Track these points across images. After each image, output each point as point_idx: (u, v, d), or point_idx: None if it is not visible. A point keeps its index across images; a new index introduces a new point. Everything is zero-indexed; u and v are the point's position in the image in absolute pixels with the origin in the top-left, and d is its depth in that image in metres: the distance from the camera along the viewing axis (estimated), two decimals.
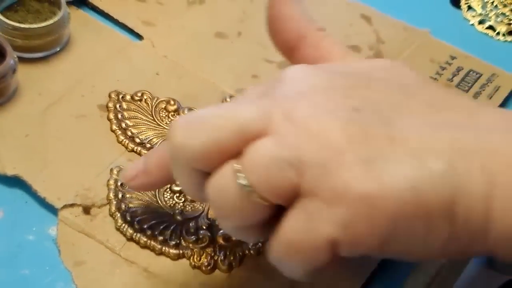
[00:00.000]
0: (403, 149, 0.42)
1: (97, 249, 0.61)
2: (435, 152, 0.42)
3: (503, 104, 0.78)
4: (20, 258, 0.61)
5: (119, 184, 0.65)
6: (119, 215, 0.63)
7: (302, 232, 0.43)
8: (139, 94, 0.73)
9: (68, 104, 0.72)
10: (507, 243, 0.42)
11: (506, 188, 0.41)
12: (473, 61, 0.81)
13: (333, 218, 0.42)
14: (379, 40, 0.83)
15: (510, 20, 0.88)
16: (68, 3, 0.78)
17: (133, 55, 0.78)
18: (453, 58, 0.81)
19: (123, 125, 0.71)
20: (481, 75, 0.80)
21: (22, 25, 0.73)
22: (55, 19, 0.74)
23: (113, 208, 0.64)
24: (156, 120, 0.72)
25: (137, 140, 0.70)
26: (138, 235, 0.62)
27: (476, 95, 0.78)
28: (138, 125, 0.71)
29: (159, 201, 0.65)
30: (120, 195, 0.65)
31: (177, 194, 0.66)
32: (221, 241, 0.63)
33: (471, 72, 0.80)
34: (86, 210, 0.64)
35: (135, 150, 0.69)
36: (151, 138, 0.70)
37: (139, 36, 0.81)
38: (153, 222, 0.63)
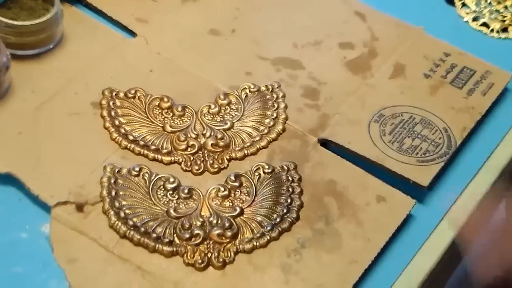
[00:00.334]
0: None
1: (90, 246, 0.61)
2: None
3: (497, 101, 0.78)
4: (13, 256, 0.61)
5: (112, 181, 0.65)
6: (112, 212, 0.63)
7: None
8: (133, 91, 0.73)
9: (62, 102, 0.72)
10: None
11: None
12: (467, 58, 0.81)
13: None
14: (373, 37, 0.83)
15: (504, 17, 0.88)
16: (62, 0, 0.78)
17: (126, 52, 0.78)
18: (447, 55, 0.81)
19: (117, 122, 0.71)
20: (475, 72, 0.80)
21: (15, 22, 0.72)
22: (49, 16, 0.74)
23: (107, 206, 0.64)
24: (150, 117, 0.72)
25: (131, 138, 0.69)
26: (132, 232, 0.62)
27: (470, 92, 0.78)
28: (131, 123, 0.71)
29: (153, 199, 0.65)
30: (113, 193, 0.64)
31: (171, 192, 0.65)
32: (214, 238, 0.63)
33: (465, 69, 0.80)
34: (79, 207, 0.64)
35: (128, 147, 0.69)
36: (144, 135, 0.70)
37: (132, 33, 0.80)
38: (147, 219, 0.63)
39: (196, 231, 0.63)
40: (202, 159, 0.69)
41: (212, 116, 0.72)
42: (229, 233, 0.63)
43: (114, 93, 0.73)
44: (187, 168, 0.68)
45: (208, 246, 0.62)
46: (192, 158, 0.69)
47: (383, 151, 0.71)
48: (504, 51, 0.85)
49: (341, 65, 0.80)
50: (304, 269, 0.62)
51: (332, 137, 0.72)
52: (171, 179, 0.66)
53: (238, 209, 0.65)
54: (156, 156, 0.68)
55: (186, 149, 0.69)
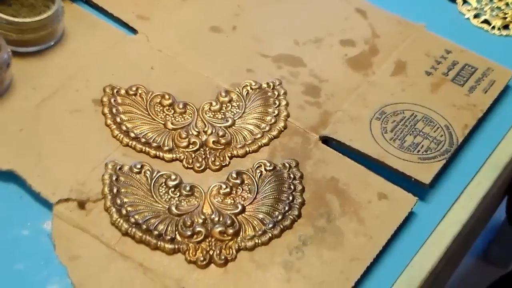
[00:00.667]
0: None
1: (92, 244, 0.61)
2: None
3: (498, 98, 0.78)
4: (14, 253, 0.61)
5: (114, 178, 0.65)
6: (114, 209, 0.63)
7: None
8: (134, 89, 0.73)
9: (63, 99, 0.72)
10: None
11: None
12: (469, 55, 0.81)
13: None
14: (374, 34, 0.83)
15: (505, 14, 0.88)
16: None
17: (127, 50, 0.78)
18: (448, 52, 0.81)
19: (118, 119, 0.70)
20: (477, 69, 0.80)
21: (16, 19, 0.72)
22: (49, 13, 0.73)
23: (108, 203, 0.64)
24: (151, 114, 0.72)
25: (132, 135, 0.69)
26: (133, 229, 0.62)
27: (472, 89, 0.78)
28: (132, 120, 0.71)
29: (154, 196, 0.65)
30: (115, 190, 0.64)
31: (172, 189, 0.65)
32: (216, 236, 0.63)
33: (466, 66, 0.80)
34: (81, 204, 0.63)
35: (129, 144, 0.69)
36: (146, 132, 0.70)
37: (133, 30, 0.80)
38: (148, 217, 0.63)
39: (198, 229, 0.63)
40: (203, 156, 0.69)
41: (213, 114, 0.72)
42: (231, 231, 0.63)
43: (115, 90, 0.73)
44: (188, 166, 0.68)
45: (210, 243, 0.62)
46: (193, 155, 0.69)
47: (385, 149, 0.71)
48: (506, 48, 0.85)
49: (342, 62, 0.80)
50: (305, 266, 0.62)
51: (333, 134, 0.71)
52: (173, 177, 0.66)
53: (240, 207, 0.65)
54: (158, 153, 0.68)
55: (187, 147, 0.69)
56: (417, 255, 0.65)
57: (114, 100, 0.72)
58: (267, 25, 0.83)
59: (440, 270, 0.67)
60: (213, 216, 0.64)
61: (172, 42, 0.79)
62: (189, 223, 0.63)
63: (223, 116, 0.72)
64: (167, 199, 0.65)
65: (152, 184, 0.65)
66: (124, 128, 0.70)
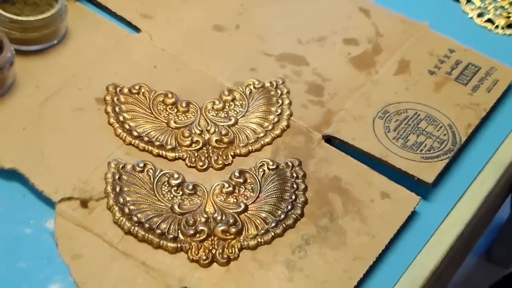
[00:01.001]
0: None
1: (94, 242, 0.61)
2: None
3: (502, 97, 0.78)
4: (17, 252, 0.61)
5: (116, 177, 0.65)
6: (116, 208, 0.63)
7: None
8: (137, 87, 0.73)
9: (66, 97, 0.72)
10: None
11: None
12: (472, 54, 0.81)
13: None
14: (378, 33, 0.83)
15: (509, 13, 0.88)
16: None
17: (130, 48, 0.78)
18: (452, 51, 0.81)
19: (121, 118, 0.70)
20: (480, 68, 0.79)
21: (20, 18, 0.72)
22: (53, 11, 0.73)
23: (111, 202, 0.64)
24: (154, 113, 0.72)
25: (135, 133, 0.69)
26: (136, 228, 0.62)
27: (475, 89, 0.77)
28: (135, 118, 0.71)
29: (157, 195, 0.65)
30: (117, 189, 0.64)
31: (175, 188, 0.65)
32: (219, 235, 0.63)
33: (469, 65, 0.80)
34: (84, 203, 0.64)
35: (132, 143, 0.69)
36: (149, 131, 0.70)
37: (137, 29, 0.80)
38: (151, 215, 0.63)
39: (201, 227, 0.63)
40: (206, 155, 0.69)
41: (216, 112, 0.72)
42: (233, 230, 0.63)
43: (118, 89, 0.73)
44: (191, 164, 0.68)
45: (213, 242, 0.62)
46: (196, 154, 0.69)
47: (388, 148, 0.70)
48: (509, 48, 0.85)
49: (345, 61, 0.80)
50: (308, 265, 0.62)
51: (336, 133, 0.71)
52: (176, 175, 0.66)
53: (243, 206, 0.65)
54: (161, 152, 0.68)
55: (190, 145, 0.69)
56: (420, 255, 0.65)
57: (117, 99, 0.72)
58: (270, 24, 0.83)
59: (443, 270, 0.67)
60: (215, 215, 0.64)
61: (175, 41, 0.79)
62: (191, 222, 0.63)
63: (226, 115, 0.72)
64: (170, 198, 0.65)
65: (155, 182, 0.65)
66: (127, 126, 0.70)
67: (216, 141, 0.70)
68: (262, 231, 0.63)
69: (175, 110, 0.72)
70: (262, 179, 0.67)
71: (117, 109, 0.71)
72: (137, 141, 0.69)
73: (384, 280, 0.63)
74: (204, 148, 0.69)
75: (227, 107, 0.73)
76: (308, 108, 0.74)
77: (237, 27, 0.82)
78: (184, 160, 0.68)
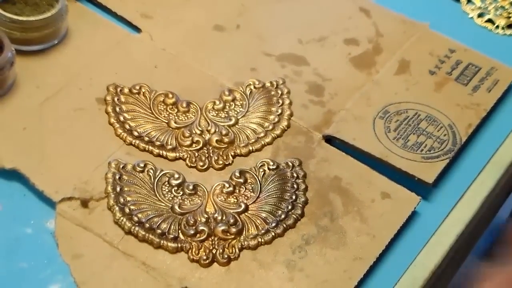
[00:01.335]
0: None
1: (95, 242, 0.61)
2: None
3: (502, 98, 0.78)
4: (18, 252, 0.61)
5: (117, 177, 0.65)
6: (117, 208, 0.63)
7: None
8: (137, 87, 0.73)
9: (66, 97, 0.72)
10: None
11: None
12: (472, 55, 0.81)
13: None
14: (378, 33, 0.83)
15: (509, 13, 0.88)
16: None
17: (131, 48, 0.78)
18: (452, 51, 0.81)
19: (121, 118, 0.70)
20: (480, 68, 0.79)
21: (20, 18, 0.72)
22: (53, 11, 0.74)
23: (111, 202, 0.64)
24: (155, 113, 0.72)
25: (135, 133, 0.69)
26: (136, 228, 0.62)
27: (475, 89, 0.77)
28: (136, 118, 0.71)
29: (157, 195, 0.65)
30: (118, 189, 0.64)
31: (175, 188, 0.65)
32: (219, 235, 0.63)
33: (470, 66, 0.80)
34: (84, 203, 0.64)
35: (133, 143, 0.69)
36: (149, 131, 0.70)
37: (137, 29, 0.80)
38: (152, 215, 0.63)
39: (201, 227, 0.63)
40: (206, 155, 0.69)
41: (216, 112, 0.72)
42: (233, 230, 0.63)
43: (118, 89, 0.73)
44: (191, 164, 0.68)
45: (213, 242, 0.62)
46: (197, 154, 0.69)
47: (388, 148, 0.70)
48: (510, 48, 0.85)
49: (346, 61, 0.80)
50: (308, 265, 0.62)
51: (337, 133, 0.71)
52: (176, 175, 0.66)
53: (243, 206, 0.65)
54: (161, 152, 0.68)
55: (190, 145, 0.69)
56: (420, 255, 0.65)
57: (118, 99, 0.72)
58: (270, 24, 0.83)
59: (443, 270, 0.67)
60: (216, 215, 0.64)
61: (176, 41, 0.79)
62: (192, 222, 0.63)
63: (226, 115, 0.72)
64: (170, 198, 0.65)
65: (155, 182, 0.66)
66: (127, 126, 0.70)
67: (217, 141, 0.70)
68: (263, 231, 0.63)
69: (176, 110, 0.72)
70: (263, 179, 0.67)
71: (117, 109, 0.71)
72: (137, 141, 0.69)
73: (384, 280, 0.63)
74: (205, 148, 0.69)
75: (227, 107, 0.73)
76: (308, 108, 0.74)
77: (238, 27, 0.82)
78: (184, 160, 0.68)
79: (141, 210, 0.63)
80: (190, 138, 0.69)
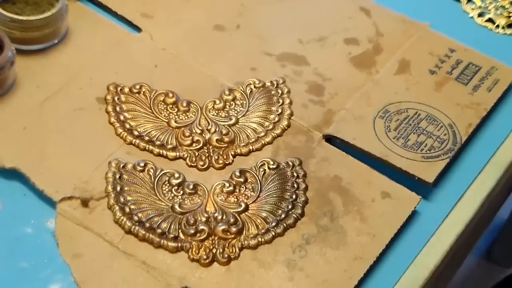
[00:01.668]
0: None
1: (95, 242, 0.61)
2: None
3: (502, 97, 0.78)
4: (18, 251, 0.61)
5: (117, 177, 0.65)
6: (117, 208, 0.63)
7: None
8: (138, 87, 0.73)
9: (66, 97, 0.72)
10: None
11: None
12: (473, 54, 0.81)
13: None
14: (378, 33, 0.83)
15: (509, 13, 0.88)
16: None
17: (131, 48, 0.78)
18: (452, 51, 0.81)
19: (122, 117, 0.70)
20: (480, 68, 0.79)
21: (20, 17, 0.72)
22: (53, 11, 0.74)
23: (112, 201, 0.64)
24: (155, 112, 0.72)
25: (136, 133, 0.69)
26: (137, 228, 0.62)
27: (475, 88, 0.77)
28: (136, 118, 0.71)
29: (158, 194, 0.65)
30: (118, 188, 0.64)
31: (176, 187, 0.65)
32: (219, 234, 0.63)
33: (470, 65, 0.80)
34: (85, 203, 0.64)
35: (133, 142, 0.69)
36: (149, 130, 0.70)
37: (137, 29, 0.80)
38: (152, 215, 0.63)
39: (201, 227, 0.63)
40: (207, 154, 0.69)
41: (217, 112, 0.72)
42: (234, 229, 0.63)
43: (119, 88, 0.73)
44: (192, 164, 0.68)
45: (213, 241, 0.62)
46: (197, 153, 0.69)
47: (388, 147, 0.70)
48: (510, 47, 0.85)
49: (346, 61, 0.80)
50: (309, 265, 0.62)
51: (337, 133, 0.71)
52: (176, 175, 0.66)
53: (243, 205, 0.65)
54: (161, 151, 0.68)
55: (191, 145, 0.69)
56: (420, 254, 0.65)
57: (118, 98, 0.72)
58: (271, 23, 0.83)
59: (443, 269, 0.67)
60: (216, 214, 0.64)
61: (176, 41, 0.79)
62: (192, 222, 0.63)
63: (226, 115, 0.72)
64: (171, 197, 0.65)
65: (156, 182, 0.66)
66: (127, 126, 0.70)
67: (217, 140, 0.70)
68: (263, 231, 0.63)
69: (176, 109, 0.72)
70: (263, 179, 0.67)
71: (117, 108, 0.71)
72: (137, 141, 0.69)
73: (384, 279, 0.63)
74: (205, 147, 0.69)
75: (227, 106, 0.73)
76: (308, 108, 0.74)
77: (238, 27, 0.82)
78: (184, 159, 0.68)
79: (141, 210, 0.63)
80: (190, 137, 0.69)
